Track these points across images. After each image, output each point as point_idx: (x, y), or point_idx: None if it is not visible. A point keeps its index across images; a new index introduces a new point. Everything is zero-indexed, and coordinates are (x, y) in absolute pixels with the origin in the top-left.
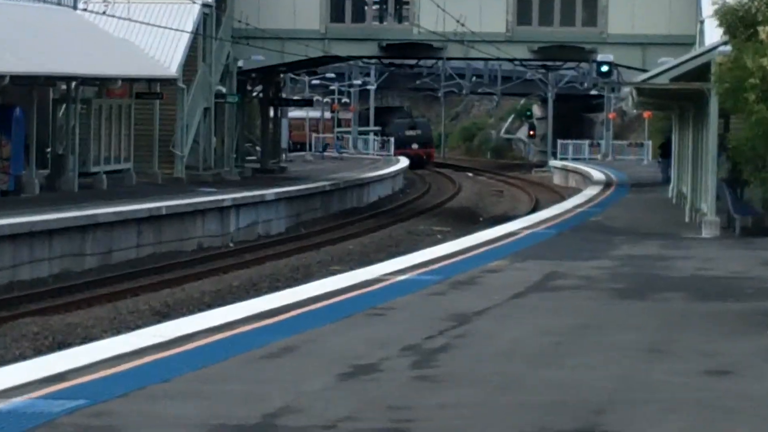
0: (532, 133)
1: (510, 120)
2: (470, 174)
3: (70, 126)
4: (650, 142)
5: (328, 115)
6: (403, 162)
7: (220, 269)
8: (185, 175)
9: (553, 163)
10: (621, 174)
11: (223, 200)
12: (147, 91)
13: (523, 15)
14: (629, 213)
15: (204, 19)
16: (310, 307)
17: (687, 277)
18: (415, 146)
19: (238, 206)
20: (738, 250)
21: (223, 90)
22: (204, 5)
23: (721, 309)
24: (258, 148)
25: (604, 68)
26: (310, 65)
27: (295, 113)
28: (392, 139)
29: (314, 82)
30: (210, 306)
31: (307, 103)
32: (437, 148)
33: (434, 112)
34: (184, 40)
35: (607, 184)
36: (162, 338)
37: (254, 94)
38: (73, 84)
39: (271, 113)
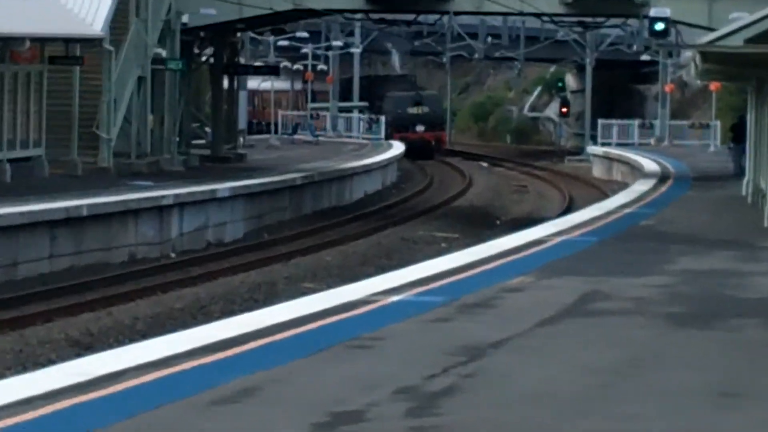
0: (564, 110)
1: (536, 93)
2: (484, 164)
3: None
4: (718, 123)
5: (299, 86)
6: (397, 148)
7: (159, 287)
8: (113, 164)
9: (591, 149)
10: (680, 164)
11: (162, 197)
12: (63, 54)
13: None
14: (691, 215)
15: None
16: (276, 337)
17: (767, 298)
18: (420, 128)
19: (181, 205)
20: None
21: (163, 53)
22: None
23: None
24: (208, 130)
25: (659, 26)
26: (277, 21)
27: (256, 84)
28: (382, 119)
29: (281, 43)
30: (145, 335)
31: (272, 71)
32: None
33: (437, 82)
34: None
35: (663, 178)
36: (82, 377)
37: (203, 58)
38: None
39: (226, 84)
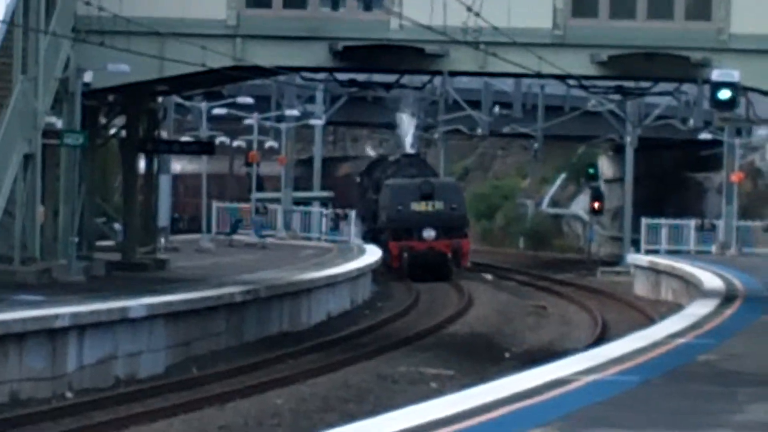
0: (597, 206)
1: (559, 183)
2: (489, 276)
3: None
4: None
5: (240, 169)
6: (372, 253)
7: None
8: None
9: (633, 258)
10: (752, 279)
11: (55, 317)
12: None
13: (582, 1)
14: (766, 347)
15: (25, 1)
16: None
17: None
18: (430, 234)
19: (81, 328)
20: None
21: (58, 124)
22: None
23: None
24: (118, 227)
25: (725, 94)
26: (211, 83)
27: (183, 166)
28: (352, 214)
29: (217, 112)
30: None
31: (203, 148)
32: None
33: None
34: None
35: (728, 298)
36: None
37: (112, 131)
38: None
39: (142, 166)
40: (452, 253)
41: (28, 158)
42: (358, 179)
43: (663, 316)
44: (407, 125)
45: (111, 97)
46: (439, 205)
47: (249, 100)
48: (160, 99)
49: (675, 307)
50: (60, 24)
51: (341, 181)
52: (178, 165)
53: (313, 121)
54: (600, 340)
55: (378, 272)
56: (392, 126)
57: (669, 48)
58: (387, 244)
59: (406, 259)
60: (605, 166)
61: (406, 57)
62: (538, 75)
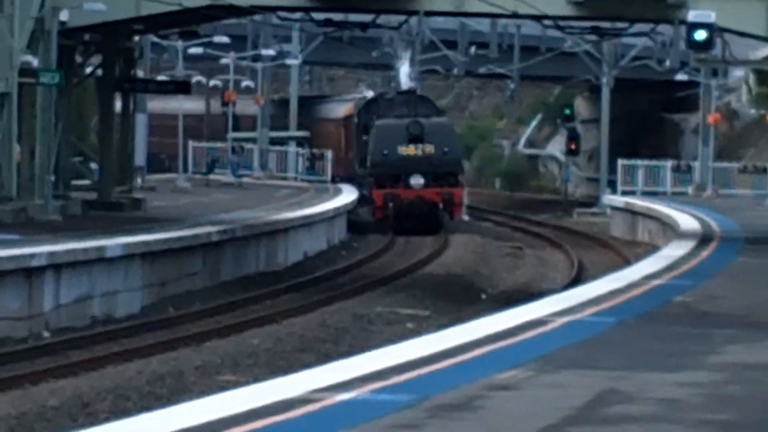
0: (573, 146)
1: (535, 124)
2: (465, 217)
3: None
4: None
5: (217, 109)
6: (349, 193)
7: (26, 378)
8: None
9: (609, 199)
10: (728, 221)
11: (31, 257)
12: None
13: None
14: (742, 289)
15: None
16: None
17: None
18: (417, 181)
19: (57, 267)
20: None
21: (34, 62)
22: None
23: None
24: (94, 166)
25: (701, 34)
26: (187, 21)
27: (160, 105)
28: (328, 154)
29: (193, 51)
30: None
31: (180, 88)
32: None
33: None
34: None
35: (704, 239)
36: None
37: (89, 70)
38: None
39: (119, 105)
40: (443, 202)
41: (3, 97)
42: (355, 120)
43: (639, 258)
44: (403, 59)
45: (87, 36)
46: (429, 148)
47: (225, 39)
48: (136, 38)
49: (651, 249)
50: None
51: (319, 121)
52: (156, 104)
53: (289, 61)
54: (576, 281)
55: (362, 224)
56: (369, 66)
57: None
58: (371, 194)
59: (391, 209)
60: (581, 107)
61: None
62: (515, 15)
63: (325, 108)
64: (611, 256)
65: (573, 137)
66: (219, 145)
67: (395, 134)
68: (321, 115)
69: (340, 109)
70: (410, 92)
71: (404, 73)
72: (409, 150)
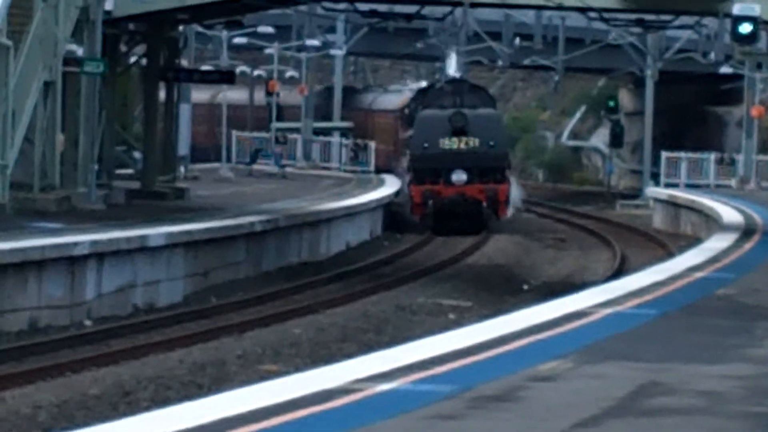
0: (617, 139)
1: (579, 116)
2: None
3: None
4: None
5: (261, 99)
6: (392, 184)
7: (68, 366)
8: (10, 199)
9: (652, 192)
10: None
11: (74, 245)
12: None
13: None
14: None
15: None
16: None
17: None
18: (460, 177)
19: (100, 256)
20: None
21: (79, 52)
22: None
23: None
24: (138, 155)
25: (745, 27)
26: (232, 11)
27: (203, 95)
28: (372, 145)
29: (238, 41)
30: (49, 430)
31: (224, 77)
32: None
33: None
34: None
35: (747, 232)
36: None
37: (133, 60)
38: None
39: (163, 95)
40: (487, 200)
41: (48, 86)
42: (405, 111)
43: (682, 250)
44: (452, 50)
45: (132, 26)
46: (473, 141)
47: (270, 29)
48: (181, 27)
49: (694, 241)
50: None
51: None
52: (199, 94)
53: (333, 52)
54: (618, 272)
55: (399, 224)
56: (414, 57)
57: None
58: (410, 190)
59: (431, 207)
60: (625, 99)
61: None
62: (560, 7)
63: (378, 98)
64: (654, 249)
65: (617, 131)
66: (262, 134)
67: (437, 126)
68: (374, 105)
69: (396, 100)
70: (461, 81)
71: (453, 64)
72: (452, 143)
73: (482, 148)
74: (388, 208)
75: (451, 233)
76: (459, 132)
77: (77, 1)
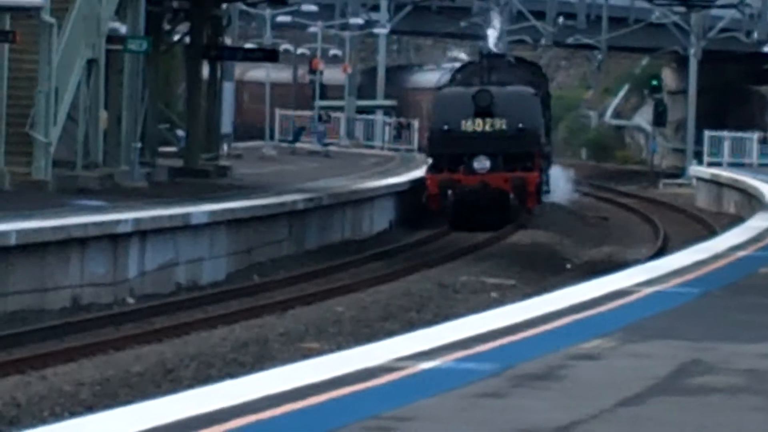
0: (660, 117)
1: (622, 94)
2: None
3: None
4: None
5: (304, 77)
6: None
7: (111, 344)
8: (53, 176)
9: (696, 170)
10: None
11: (117, 223)
12: None
13: None
14: None
15: None
16: (265, 414)
17: None
18: (483, 164)
19: (143, 234)
20: None
21: (122, 29)
22: None
23: None
24: (181, 133)
25: None
26: None
27: (247, 74)
28: (415, 124)
29: (281, 19)
30: (92, 408)
31: (268, 56)
32: None
33: None
34: None
35: None
36: None
37: (176, 38)
38: None
39: (206, 72)
40: (513, 190)
41: (91, 63)
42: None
43: (724, 229)
44: (493, 23)
45: (175, 3)
46: (500, 123)
47: (313, 7)
48: (224, 5)
49: (737, 220)
50: None
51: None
52: (243, 72)
53: (377, 30)
54: (661, 251)
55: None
56: (457, 36)
57: None
58: (425, 179)
59: (450, 197)
60: (669, 78)
61: None
62: None
63: (422, 77)
64: (696, 227)
65: (660, 109)
66: (306, 113)
67: (459, 105)
68: (418, 84)
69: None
70: (498, 56)
71: (493, 38)
72: (475, 125)
73: (510, 131)
74: None
75: (472, 228)
76: (483, 112)
77: None
